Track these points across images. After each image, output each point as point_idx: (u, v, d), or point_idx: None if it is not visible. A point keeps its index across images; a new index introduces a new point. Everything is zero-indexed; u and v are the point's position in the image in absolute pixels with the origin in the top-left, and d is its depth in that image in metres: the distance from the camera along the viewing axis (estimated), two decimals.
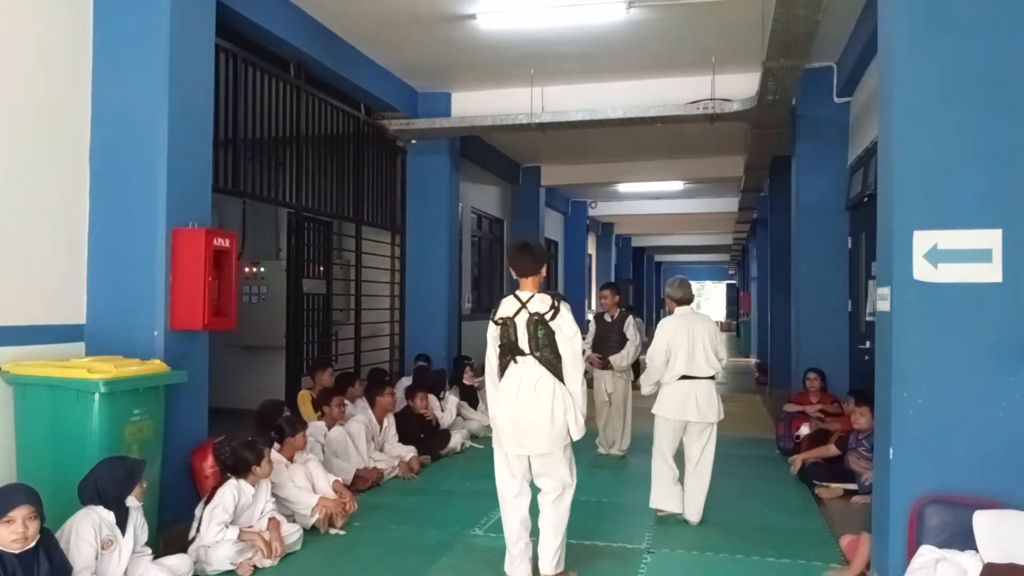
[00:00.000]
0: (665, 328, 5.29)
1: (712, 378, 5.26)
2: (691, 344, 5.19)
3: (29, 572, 3.14)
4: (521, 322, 3.98)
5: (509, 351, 4.01)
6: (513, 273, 4.21)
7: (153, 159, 4.59)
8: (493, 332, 4.11)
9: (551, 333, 3.94)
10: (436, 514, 5.37)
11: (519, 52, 7.56)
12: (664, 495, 5.26)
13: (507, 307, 4.08)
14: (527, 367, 3.96)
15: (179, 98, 4.68)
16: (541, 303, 3.97)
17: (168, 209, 4.60)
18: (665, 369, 5.23)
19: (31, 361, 4.18)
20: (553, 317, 3.93)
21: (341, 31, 7.10)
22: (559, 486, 4.01)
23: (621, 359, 7.25)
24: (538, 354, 3.94)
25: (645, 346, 7.41)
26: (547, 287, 4.48)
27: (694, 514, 5.20)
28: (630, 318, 7.52)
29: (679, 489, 5.25)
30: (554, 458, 3.97)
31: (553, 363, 3.94)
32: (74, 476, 3.68)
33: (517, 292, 4.11)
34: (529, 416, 3.91)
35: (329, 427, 6.00)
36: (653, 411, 5.32)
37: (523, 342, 3.97)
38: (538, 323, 3.93)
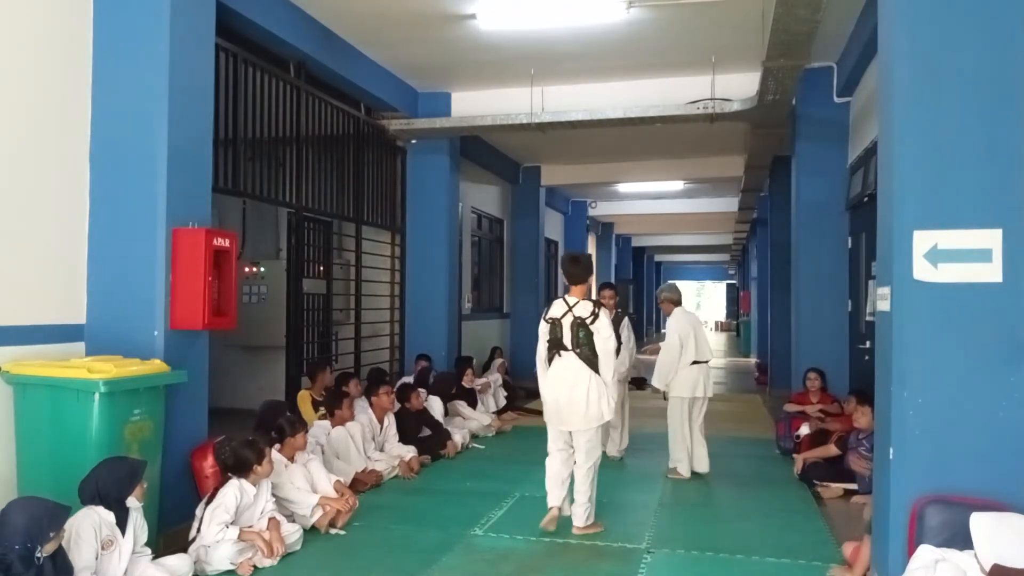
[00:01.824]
0: (676, 325, 6.38)
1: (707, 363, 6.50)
2: (696, 335, 6.38)
3: (37, 573, 3.15)
4: (567, 323, 4.84)
5: (555, 346, 4.88)
6: (565, 280, 5.05)
7: (153, 159, 4.59)
8: (543, 329, 4.96)
9: (590, 334, 4.79)
10: (436, 514, 5.37)
11: (519, 52, 7.56)
12: (685, 458, 6.35)
13: (556, 309, 4.95)
14: (569, 360, 4.83)
15: (179, 98, 4.67)
16: (584, 309, 4.84)
17: (168, 209, 4.60)
18: (679, 359, 6.27)
19: (31, 361, 4.18)
20: (593, 321, 4.80)
21: (341, 31, 7.10)
22: (588, 458, 4.91)
23: (621, 364, 7.32)
24: (578, 350, 4.81)
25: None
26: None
27: (703, 466, 6.42)
28: (626, 320, 7.55)
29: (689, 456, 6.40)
30: (588, 434, 4.89)
31: (590, 358, 4.81)
32: (74, 476, 3.69)
33: (566, 296, 4.96)
34: (569, 398, 4.82)
35: (335, 427, 6.00)
36: (672, 394, 6.36)
37: (567, 340, 4.84)
38: (580, 325, 4.80)
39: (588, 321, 4.80)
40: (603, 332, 4.82)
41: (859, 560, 4.06)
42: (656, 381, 6.43)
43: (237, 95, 6.07)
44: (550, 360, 4.92)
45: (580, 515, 4.93)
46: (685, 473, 6.37)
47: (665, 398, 6.52)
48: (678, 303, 6.59)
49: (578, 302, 4.89)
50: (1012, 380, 3.40)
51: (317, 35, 6.81)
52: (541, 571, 4.29)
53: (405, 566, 4.33)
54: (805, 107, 8.22)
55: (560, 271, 5.11)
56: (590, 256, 5.45)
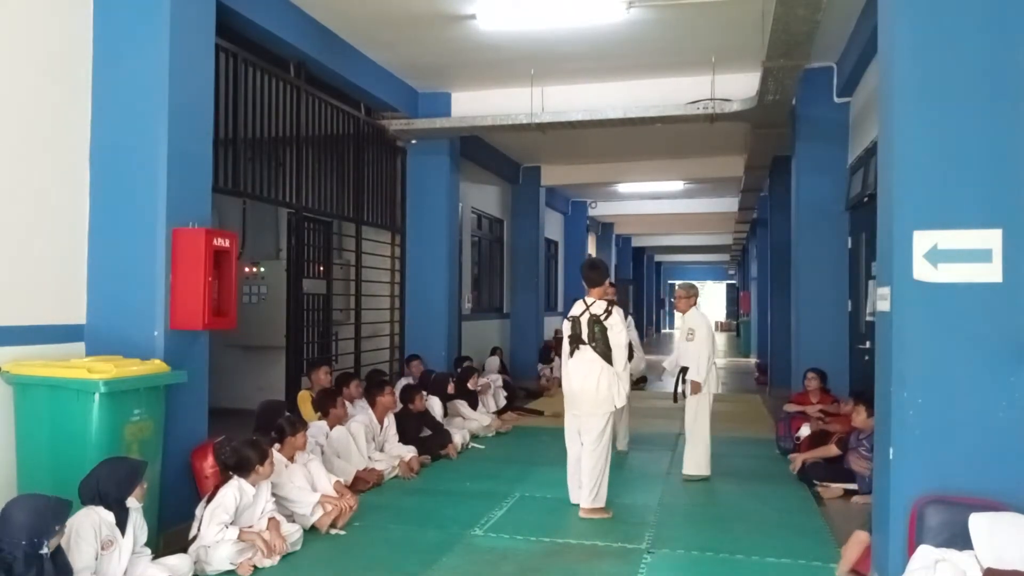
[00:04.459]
0: (702, 320, 6.48)
1: None
2: (715, 331, 6.36)
3: (38, 573, 3.15)
4: (584, 320, 5.40)
5: (574, 341, 5.45)
6: (584, 284, 5.63)
7: (153, 159, 4.59)
8: (566, 326, 5.61)
9: (604, 330, 5.33)
10: (436, 514, 5.37)
11: (519, 52, 7.56)
12: (707, 456, 6.38)
13: (576, 308, 5.55)
14: (586, 353, 5.38)
15: (179, 98, 4.67)
16: (599, 307, 5.41)
17: (168, 209, 4.60)
18: (713, 354, 6.42)
19: (31, 361, 4.18)
20: (606, 318, 5.35)
21: (341, 31, 7.10)
22: (592, 442, 5.33)
23: (639, 362, 7.54)
24: (593, 344, 5.34)
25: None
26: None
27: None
28: (630, 318, 7.56)
29: None
30: (595, 420, 5.34)
31: (604, 352, 5.32)
32: (74, 476, 3.69)
33: (585, 298, 5.54)
34: (582, 386, 5.36)
35: (332, 426, 6.00)
36: (702, 393, 6.33)
37: (584, 335, 5.38)
38: (595, 322, 5.35)
39: (602, 318, 5.35)
40: (615, 328, 5.36)
41: (845, 551, 4.10)
42: (698, 376, 6.31)
43: (237, 95, 6.07)
44: (571, 353, 5.49)
45: (587, 497, 5.30)
46: (708, 471, 6.34)
47: (684, 396, 6.44)
48: (695, 302, 6.66)
49: (595, 302, 5.45)
50: (1012, 380, 3.40)
51: (317, 35, 6.81)
52: (541, 571, 4.29)
53: (405, 566, 4.32)
54: (805, 107, 8.22)
55: (580, 275, 5.77)
56: (606, 263, 6.11)
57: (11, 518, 3.15)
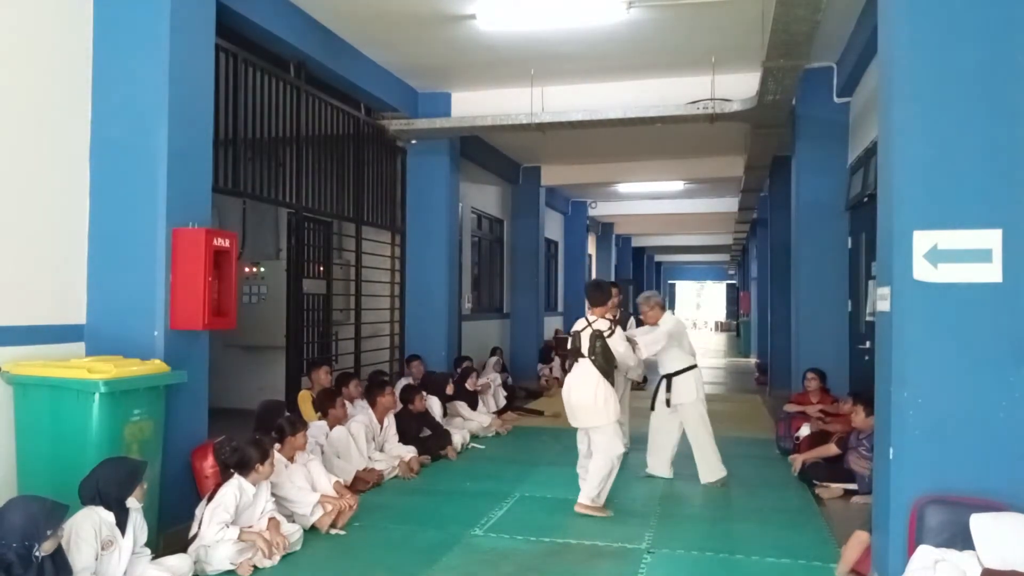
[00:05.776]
0: (677, 323, 6.49)
1: None
2: (687, 337, 6.57)
3: (38, 573, 3.15)
4: (585, 335, 5.56)
5: (574, 354, 5.63)
6: (587, 302, 5.85)
7: (153, 159, 4.59)
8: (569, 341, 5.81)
9: (606, 346, 5.48)
10: (436, 514, 5.37)
11: (519, 52, 7.56)
12: (721, 463, 6.29)
13: (579, 324, 5.71)
14: (584, 366, 5.52)
15: (179, 98, 4.68)
16: (602, 324, 5.58)
17: (168, 209, 4.60)
18: (653, 352, 6.35)
19: (31, 361, 4.18)
20: (610, 335, 5.52)
21: (341, 31, 7.10)
22: (597, 449, 5.46)
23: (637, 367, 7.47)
24: (593, 358, 5.48)
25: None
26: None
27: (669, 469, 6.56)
28: (632, 320, 7.56)
29: None
30: (599, 434, 5.46)
31: (603, 367, 5.45)
32: (74, 476, 3.69)
33: (587, 315, 5.73)
34: (579, 399, 5.49)
35: (332, 426, 6.01)
36: (695, 400, 6.31)
37: (584, 348, 5.52)
38: (597, 338, 5.51)
39: (606, 334, 5.49)
40: (619, 348, 5.54)
41: (845, 552, 4.10)
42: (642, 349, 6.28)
43: (237, 95, 6.06)
44: (570, 367, 5.64)
45: (586, 492, 5.40)
46: (724, 472, 6.26)
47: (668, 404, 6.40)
48: (665, 308, 6.64)
49: (597, 319, 5.61)
50: (1012, 380, 3.39)
51: (317, 35, 6.81)
52: (541, 571, 4.29)
53: (405, 566, 4.33)
54: (805, 107, 8.21)
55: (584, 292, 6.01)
56: (611, 284, 6.36)
57: (5, 519, 3.15)
